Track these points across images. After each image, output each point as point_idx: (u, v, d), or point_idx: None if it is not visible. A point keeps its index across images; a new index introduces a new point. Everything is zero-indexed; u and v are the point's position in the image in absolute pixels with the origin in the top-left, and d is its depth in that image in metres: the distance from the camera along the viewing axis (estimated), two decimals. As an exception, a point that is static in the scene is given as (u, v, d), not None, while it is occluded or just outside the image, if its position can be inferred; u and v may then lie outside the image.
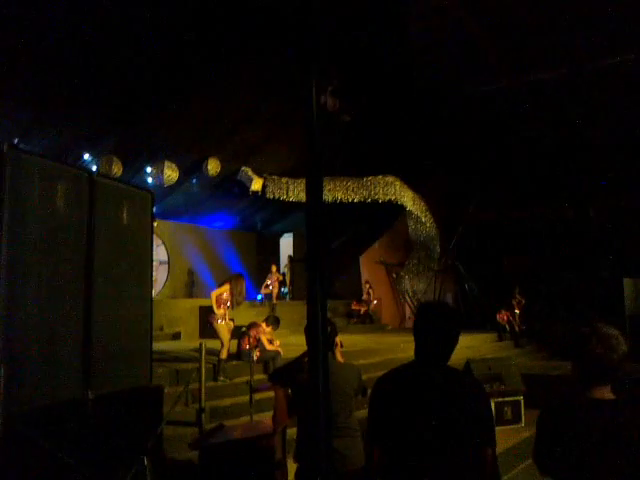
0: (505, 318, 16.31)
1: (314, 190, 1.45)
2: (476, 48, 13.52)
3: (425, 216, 18.71)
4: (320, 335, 1.41)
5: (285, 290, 18.35)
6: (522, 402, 9.05)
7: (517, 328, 16.30)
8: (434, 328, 2.45)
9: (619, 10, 11.22)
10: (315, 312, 1.41)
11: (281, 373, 4.29)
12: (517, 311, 16.73)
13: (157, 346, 6.69)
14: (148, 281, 4.60)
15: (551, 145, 16.66)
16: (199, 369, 6.84)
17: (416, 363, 2.50)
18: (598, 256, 17.33)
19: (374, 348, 12.00)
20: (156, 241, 16.90)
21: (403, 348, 11.85)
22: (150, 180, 13.61)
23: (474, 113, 15.83)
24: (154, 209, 5.35)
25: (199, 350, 6.85)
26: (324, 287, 1.39)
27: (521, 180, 18.16)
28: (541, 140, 16.59)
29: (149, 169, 13.64)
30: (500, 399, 8.88)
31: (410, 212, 18.15)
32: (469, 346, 12.79)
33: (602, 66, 13.15)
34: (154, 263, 5.78)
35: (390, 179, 16.69)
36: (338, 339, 4.15)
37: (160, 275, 17.34)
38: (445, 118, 16.10)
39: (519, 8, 11.76)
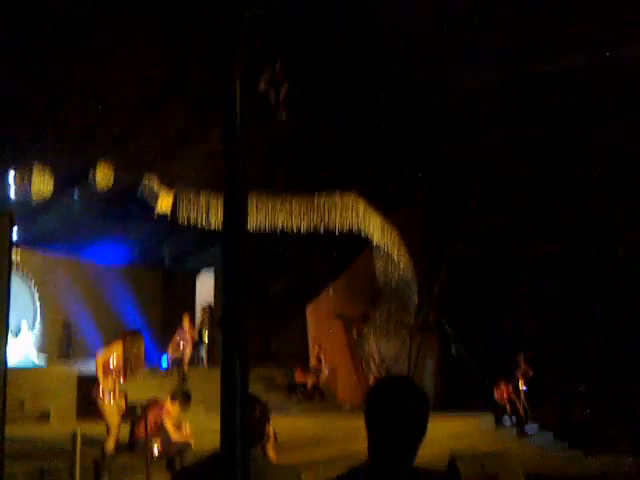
0: (506, 395, 16.50)
1: (235, 214, 1.42)
2: (472, 28, 13.90)
3: (399, 253, 18.89)
4: (238, 424, 1.38)
5: (201, 352, 18.15)
6: (528, 514, 9.08)
7: (522, 409, 16.49)
8: (395, 417, 2.49)
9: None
10: (232, 390, 1.39)
11: (192, 474, 4.22)
12: (522, 386, 16.94)
13: (14, 432, 6.44)
14: (1, 341, 4.47)
15: (567, 158, 17.09)
16: (72, 468, 6.67)
17: (371, 466, 2.51)
18: (632, 311, 17.72)
19: (325, 437, 11.95)
20: (16, 280, 16.51)
21: (366, 437, 11.82)
22: (12, 192, 13.38)
23: (467, 115, 16.19)
24: (14, 235, 5.22)
25: (72, 439, 6.70)
26: (245, 355, 1.36)
27: (528, 207, 18.55)
28: (554, 150, 17.03)
29: (11, 176, 13.42)
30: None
31: (378, 247, 18.29)
32: (455, 434, 12.85)
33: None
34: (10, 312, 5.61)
35: (351, 199, 16.77)
36: (271, 428, 4.10)
37: (21, 329, 16.91)
38: (430, 119, 16.40)
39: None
